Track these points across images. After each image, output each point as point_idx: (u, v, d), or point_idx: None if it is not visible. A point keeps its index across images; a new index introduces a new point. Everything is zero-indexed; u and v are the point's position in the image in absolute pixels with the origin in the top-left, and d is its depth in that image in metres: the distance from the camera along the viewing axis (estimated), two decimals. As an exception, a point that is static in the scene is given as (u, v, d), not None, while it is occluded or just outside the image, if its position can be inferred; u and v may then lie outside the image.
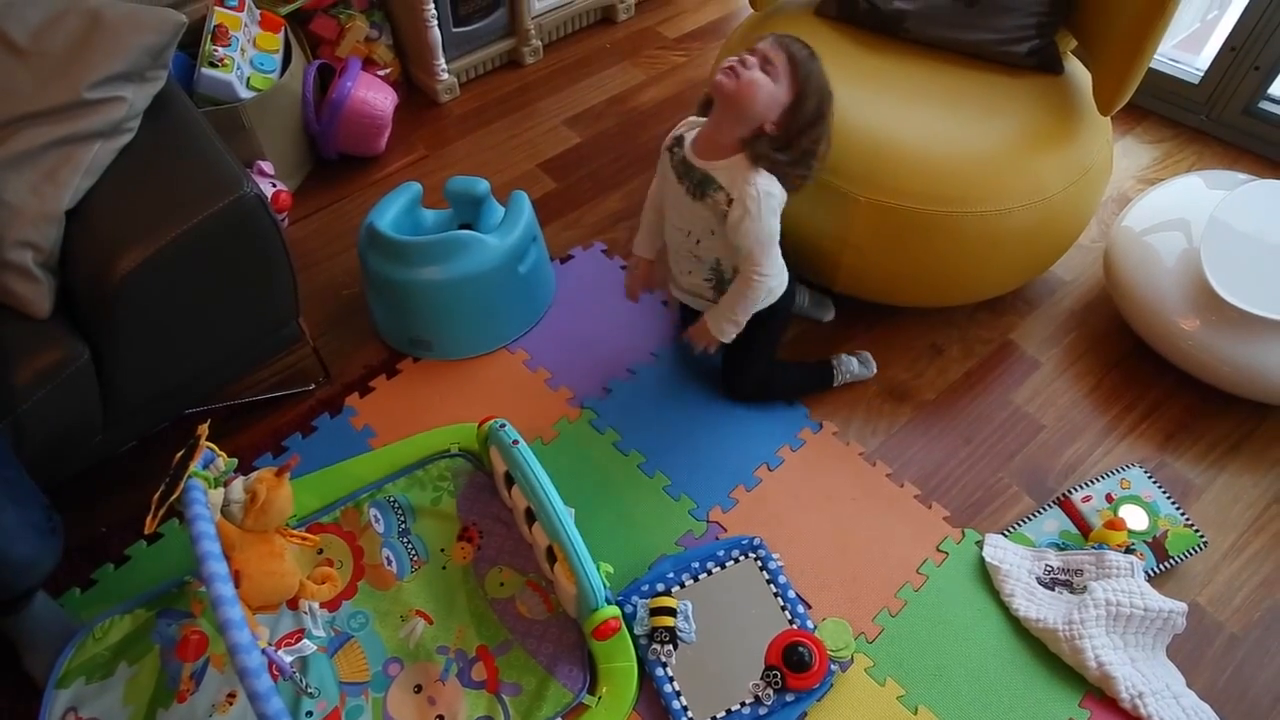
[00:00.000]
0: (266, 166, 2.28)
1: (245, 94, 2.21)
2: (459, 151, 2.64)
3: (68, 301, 1.51)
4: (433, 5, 2.52)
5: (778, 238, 1.70)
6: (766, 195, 1.63)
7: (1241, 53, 2.49)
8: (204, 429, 1.38)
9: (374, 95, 2.44)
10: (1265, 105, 2.55)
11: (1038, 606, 1.69)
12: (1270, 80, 2.50)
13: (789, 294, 1.87)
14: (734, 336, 1.81)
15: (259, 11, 2.36)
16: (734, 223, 1.65)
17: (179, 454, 1.37)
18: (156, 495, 1.32)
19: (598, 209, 2.47)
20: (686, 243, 1.80)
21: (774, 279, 1.75)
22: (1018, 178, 1.86)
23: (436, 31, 2.59)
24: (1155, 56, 1.85)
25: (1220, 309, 1.89)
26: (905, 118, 1.91)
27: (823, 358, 2.00)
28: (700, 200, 1.69)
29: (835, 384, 2.02)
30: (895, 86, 1.98)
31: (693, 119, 1.77)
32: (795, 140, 1.62)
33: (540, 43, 2.94)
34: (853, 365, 2.02)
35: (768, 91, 1.57)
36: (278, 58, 2.33)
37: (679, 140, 1.75)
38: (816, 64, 1.62)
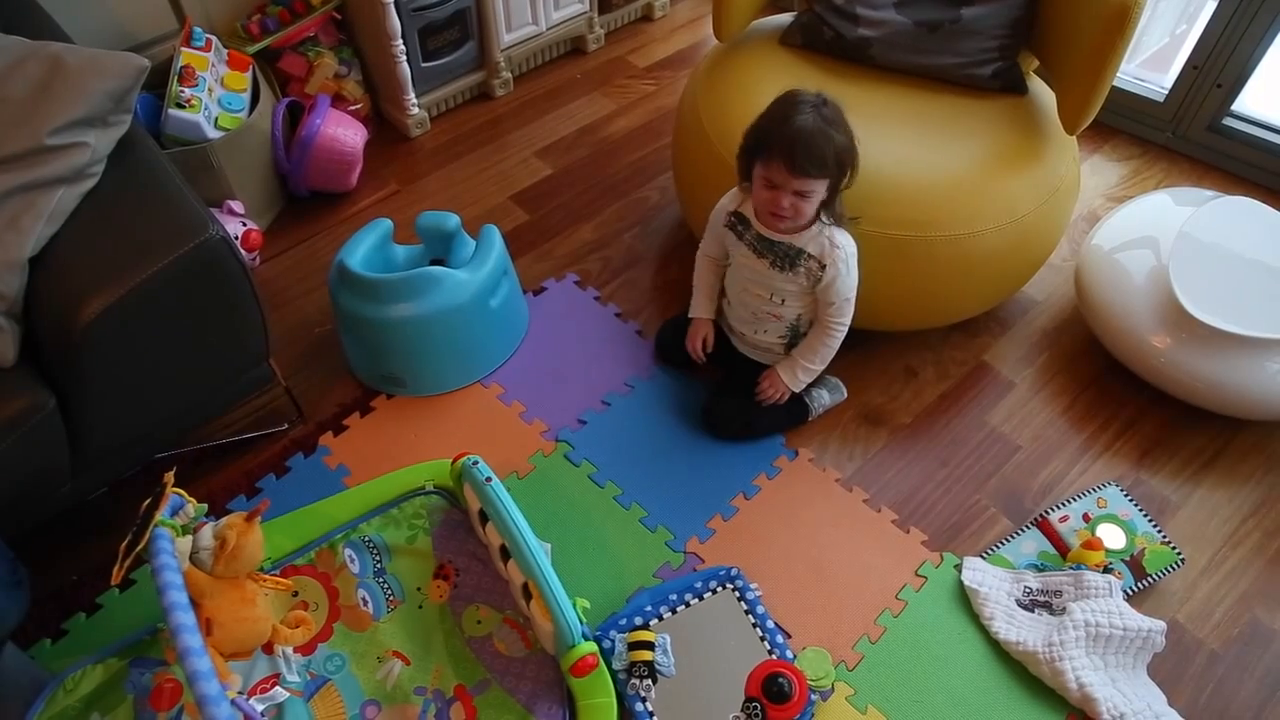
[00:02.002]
0: (237, 206, 2.27)
1: (213, 134, 2.21)
2: (431, 185, 2.64)
3: (33, 349, 1.49)
4: (401, 40, 2.53)
5: (855, 292, 1.81)
6: (852, 255, 1.76)
7: (1204, 71, 2.52)
8: (170, 476, 1.37)
9: (344, 132, 2.44)
10: (1229, 122, 2.59)
11: (1018, 629, 1.68)
12: (1233, 98, 2.54)
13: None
14: (805, 385, 1.93)
15: (226, 51, 2.36)
16: (828, 283, 1.77)
17: (146, 503, 1.35)
18: (123, 545, 1.31)
19: (570, 240, 2.47)
20: (768, 305, 1.87)
21: (847, 328, 1.86)
22: (987, 200, 1.87)
23: (406, 66, 2.60)
24: (1120, 75, 1.87)
25: (1190, 326, 1.90)
26: (874, 144, 1.90)
27: (796, 395, 2.00)
28: (790, 271, 1.77)
29: (810, 418, 2.02)
30: (862, 113, 1.98)
31: (737, 191, 1.84)
32: (844, 182, 1.71)
33: (510, 75, 2.95)
34: (824, 398, 2.03)
35: (812, 206, 1.68)
36: (246, 96, 2.33)
37: (740, 218, 1.82)
38: (834, 140, 1.62)
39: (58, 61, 1.51)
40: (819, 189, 1.66)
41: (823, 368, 1.91)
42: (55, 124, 1.46)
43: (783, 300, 1.84)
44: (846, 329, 1.85)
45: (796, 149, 1.60)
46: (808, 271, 1.76)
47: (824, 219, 1.73)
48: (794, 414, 2.01)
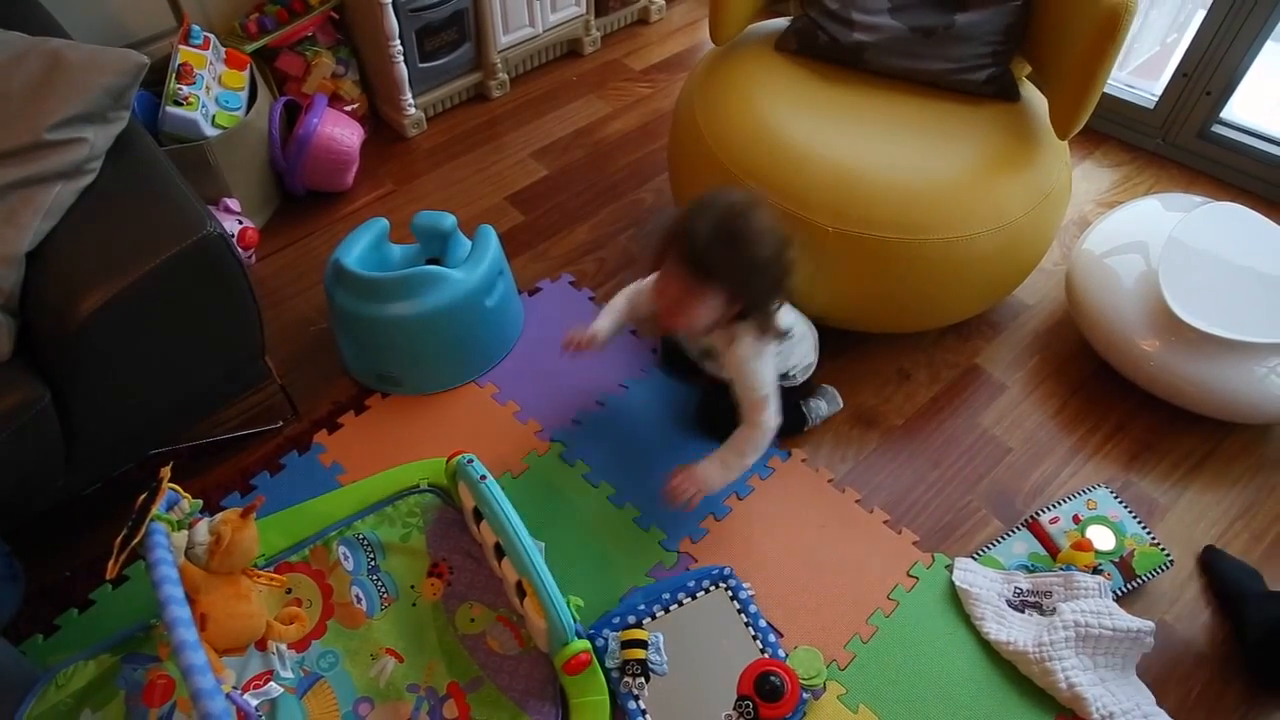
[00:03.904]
0: (233, 203, 2.27)
1: (211, 131, 2.21)
2: (427, 186, 2.65)
3: (29, 344, 1.49)
4: (399, 41, 2.53)
5: (775, 385, 1.74)
6: (756, 354, 1.69)
7: (1194, 78, 2.54)
8: (166, 472, 1.37)
9: (340, 131, 2.44)
10: (1218, 129, 2.61)
11: (1008, 629, 1.70)
12: (1222, 105, 2.56)
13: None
14: (721, 488, 1.78)
15: (224, 49, 2.36)
16: (734, 370, 1.72)
17: (141, 497, 1.36)
18: (118, 539, 1.31)
19: (565, 241, 2.48)
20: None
21: (776, 421, 1.73)
22: (979, 204, 1.88)
23: (403, 67, 2.61)
24: (1111, 82, 1.88)
25: (1179, 330, 1.92)
26: (868, 148, 1.93)
27: (792, 401, 2.01)
28: (708, 361, 1.85)
29: (806, 428, 2.02)
30: (857, 118, 2.01)
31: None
32: (763, 302, 1.64)
33: (507, 76, 2.96)
34: (821, 408, 2.03)
35: (705, 313, 1.63)
36: (243, 95, 2.34)
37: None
38: (733, 247, 1.53)
39: (58, 57, 1.51)
40: (713, 297, 1.58)
41: (742, 473, 1.77)
42: (54, 119, 1.46)
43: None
44: (768, 433, 1.72)
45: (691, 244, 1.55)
46: (720, 366, 1.77)
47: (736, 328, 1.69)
48: (791, 424, 2.01)
